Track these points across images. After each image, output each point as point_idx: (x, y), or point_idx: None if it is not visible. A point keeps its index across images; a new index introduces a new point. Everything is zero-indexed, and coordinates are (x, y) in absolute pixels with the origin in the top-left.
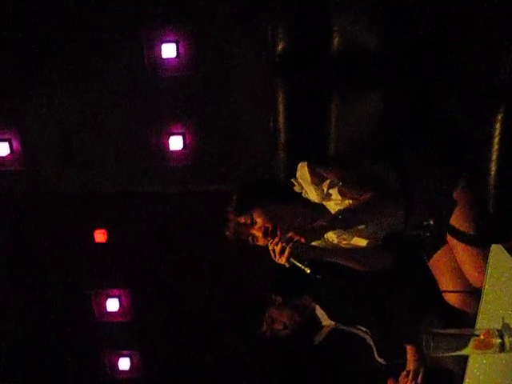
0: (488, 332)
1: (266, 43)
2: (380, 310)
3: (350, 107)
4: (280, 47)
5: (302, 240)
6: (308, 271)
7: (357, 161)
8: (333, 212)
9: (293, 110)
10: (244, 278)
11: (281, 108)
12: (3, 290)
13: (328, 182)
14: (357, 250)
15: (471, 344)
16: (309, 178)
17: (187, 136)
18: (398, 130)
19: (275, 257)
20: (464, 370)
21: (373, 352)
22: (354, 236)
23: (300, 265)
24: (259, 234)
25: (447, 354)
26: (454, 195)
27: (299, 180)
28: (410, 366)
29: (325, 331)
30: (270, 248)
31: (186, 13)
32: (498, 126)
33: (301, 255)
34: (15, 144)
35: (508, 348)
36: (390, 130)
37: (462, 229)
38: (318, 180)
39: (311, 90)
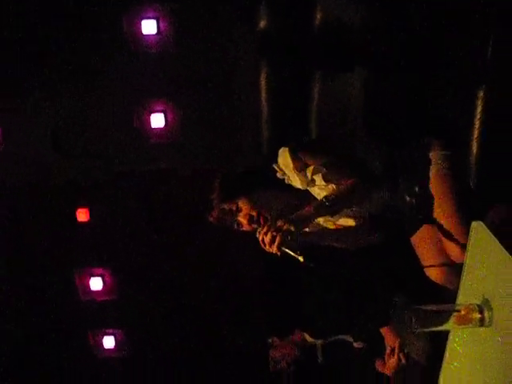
0: (468, 307)
1: (249, 22)
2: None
3: (333, 87)
4: (262, 24)
5: (292, 229)
6: (301, 259)
7: (339, 143)
8: (318, 197)
9: (275, 89)
10: (228, 256)
11: (263, 87)
12: None
13: (312, 168)
14: (344, 230)
15: (452, 319)
16: (291, 164)
17: (168, 113)
18: (381, 111)
19: (265, 246)
20: (433, 363)
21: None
22: (340, 217)
23: (292, 253)
24: (244, 221)
25: (429, 330)
26: (434, 171)
27: (281, 166)
28: (390, 343)
29: (319, 348)
30: (260, 237)
31: None
32: (479, 103)
33: (291, 243)
34: None
35: (487, 322)
36: (373, 110)
37: (443, 205)
38: (300, 166)
39: (294, 68)
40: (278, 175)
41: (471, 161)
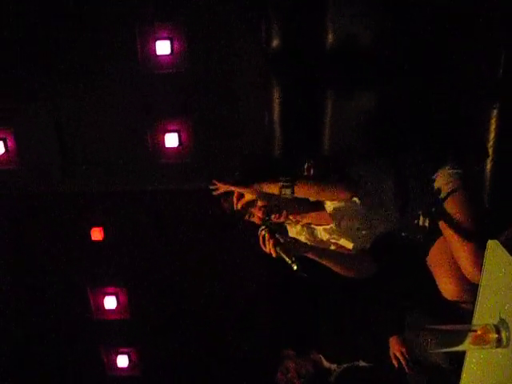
0: (485, 327)
1: (260, 40)
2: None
3: (343, 104)
4: (274, 44)
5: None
6: (295, 268)
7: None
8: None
9: (287, 106)
10: (242, 275)
11: (275, 105)
12: (1, 288)
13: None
14: (344, 254)
15: (468, 340)
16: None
17: (182, 133)
18: (392, 128)
19: (263, 243)
20: (454, 365)
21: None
22: (342, 237)
23: (288, 259)
24: (258, 213)
25: (445, 350)
26: (446, 190)
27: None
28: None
29: (334, 374)
30: (260, 235)
31: (180, 10)
32: (493, 121)
33: (290, 250)
34: (10, 143)
35: (505, 343)
36: (384, 127)
37: (458, 225)
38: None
39: (305, 86)
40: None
41: (486, 178)
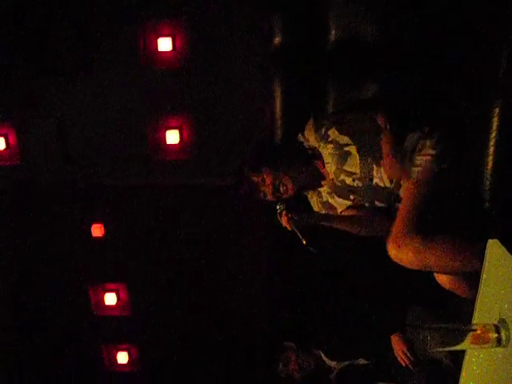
0: (485, 327)
1: (262, 36)
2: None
3: (346, 101)
4: (276, 40)
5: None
6: (304, 242)
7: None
8: (326, 160)
9: (289, 103)
10: (244, 271)
11: (277, 101)
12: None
13: (327, 123)
14: (354, 215)
15: (468, 339)
16: (312, 125)
17: (183, 130)
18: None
19: (280, 218)
20: (454, 361)
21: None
22: (334, 195)
23: (299, 234)
24: (269, 190)
25: (444, 349)
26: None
27: (305, 131)
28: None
29: (335, 372)
30: (278, 210)
31: (182, 6)
32: (495, 120)
33: (302, 225)
34: (11, 139)
35: (504, 342)
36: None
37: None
38: (317, 125)
39: (308, 83)
40: (299, 138)
41: (486, 175)
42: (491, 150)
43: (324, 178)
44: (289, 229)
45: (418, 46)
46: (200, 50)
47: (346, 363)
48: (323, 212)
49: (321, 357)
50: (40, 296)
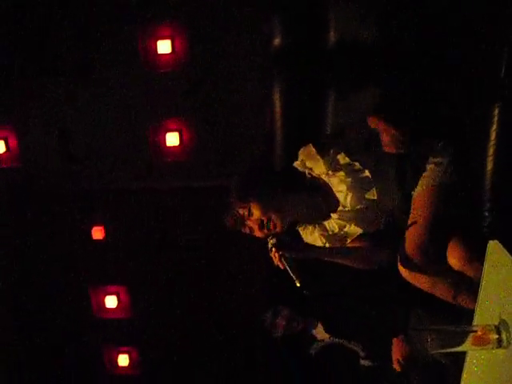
0: (485, 328)
1: (261, 38)
2: (370, 322)
3: (346, 102)
4: (276, 42)
5: (286, 255)
6: (298, 284)
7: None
8: (336, 192)
9: (289, 105)
10: (243, 274)
11: (277, 103)
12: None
13: (334, 149)
14: (355, 247)
15: (469, 340)
16: (315, 153)
17: (184, 132)
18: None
19: (271, 254)
20: (455, 362)
21: (358, 357)
22: (351, 221)
23: (292, 275)
24: (255, 226)
25: (445, 351)
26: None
27: (303, 159)
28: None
29: (320, 344)
30: (269, 246)
31: (181, 8)
32: (495, 120)
33: (295, 265)
34: (11, 141)
35: (505, 343)
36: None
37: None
38: (323, 152)
39: (307, 84)
40: (299, 169)
41: (486, 176)
42: (491, 150)
43: (331, 209)
44: (281, 267)
45: (418, 46)
46: (199, 51)
47: (337, 340)
48: (327, 246)
49: (313, 324)
50: (41, 298)
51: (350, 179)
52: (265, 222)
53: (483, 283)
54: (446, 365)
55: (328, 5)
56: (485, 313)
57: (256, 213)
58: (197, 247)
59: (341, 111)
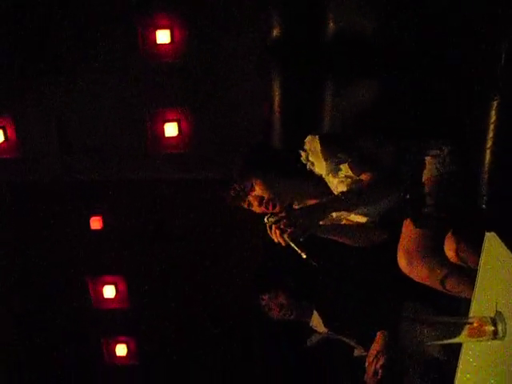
0: (481, 320)
1: (260, 30)
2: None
3: (344, 95)
4: (274, 34)
5: (307, 223)
6: (304, 256)
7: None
8: (334, 190)
9: (287, 97)
10: (240, 265)
11: (275, 95)
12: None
13: (338, 156)
14: (352, 226)
15: (465, 332)
16: (319, 151)
17: (182, 123)
18: (393, 119)
19: (271, 232)
20: (449, 357)
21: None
22: (354, 213)
23: (297, 249)
24: (255, 202)
25: (441, 343)
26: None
27: (308, 151)
28: (378, 347)
29: (317, 337)
30: (267, 224)
31: None
32: (494, 119)
33: (298, 238)
34: (9, 131)
35: (501, 335)
36: (385, 118)
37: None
38: (327, 154)
39: (306, 76)
40: (302, 159)
41: (484, 170)
42: (490, 149)
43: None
44: (282, 244)
45: (418, 45)
46: (198, 42)
47: (337, 337)
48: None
49: (311, 313)
50: (38, 288)
51: (349, 180)
52: (265, 200)
53: (480, 275)
54: (442, 358)
55: (327, 1)
56: (481, 305)
57: (258, 190)
58: (194, 234)
59: (339, 105)
